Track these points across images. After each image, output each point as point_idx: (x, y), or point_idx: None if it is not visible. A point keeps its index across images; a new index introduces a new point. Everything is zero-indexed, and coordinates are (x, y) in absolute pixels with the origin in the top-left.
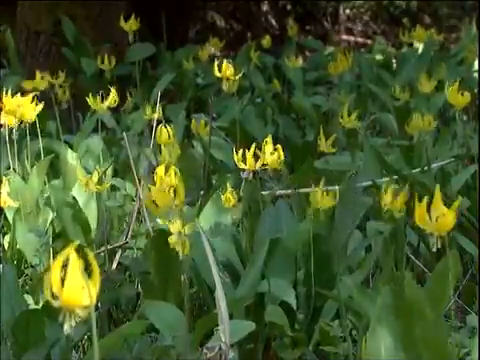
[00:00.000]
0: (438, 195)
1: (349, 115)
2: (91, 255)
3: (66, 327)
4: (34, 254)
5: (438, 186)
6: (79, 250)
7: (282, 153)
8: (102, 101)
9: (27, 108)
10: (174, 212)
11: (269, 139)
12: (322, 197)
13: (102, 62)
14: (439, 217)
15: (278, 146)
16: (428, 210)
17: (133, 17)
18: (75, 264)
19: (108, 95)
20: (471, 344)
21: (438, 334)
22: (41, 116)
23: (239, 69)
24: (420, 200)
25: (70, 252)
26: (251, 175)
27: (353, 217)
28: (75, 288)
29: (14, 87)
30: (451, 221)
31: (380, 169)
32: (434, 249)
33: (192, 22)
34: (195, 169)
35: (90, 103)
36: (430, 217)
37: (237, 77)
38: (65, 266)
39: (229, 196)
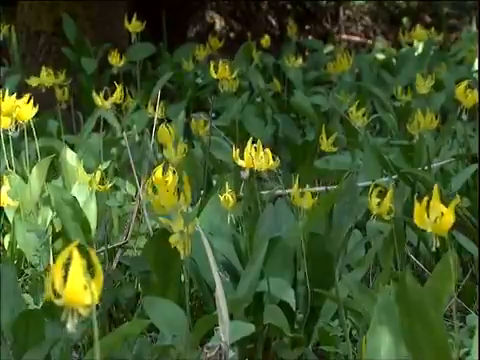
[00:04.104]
0: (437, 194)
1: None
2: (93, 254)
3: (69, 326)
4: (34, 254)
5: (436, 185)
6: (80, 249)
7: (272, 158)
8: (106, 99)
9: (24, 109)
10: (177, 212)
11: (259, 145)
12: (301, 197)
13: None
14: (438, 217)
15: (267, 150)
16: (427, 209)
17: (136, 18)
18: (77, 263)
19: (111, 93)
20: (471, 344)
21: (438, 334)
22: (41, 116)
23: (236, 69)
24: (421, 198)
25: (72, 251)
26: (248, 173)
27: (352, 216)
28: (77, 287)
29: (14, 86)
30: (450, 221)
31: (380, 169)
32: (433, 249)
33: (192, 22)
34: (195, 169)
35: (94, 99)
36: (429, 217)
37: (234, 76)
38: (67, 265)
39: (229, 196)
